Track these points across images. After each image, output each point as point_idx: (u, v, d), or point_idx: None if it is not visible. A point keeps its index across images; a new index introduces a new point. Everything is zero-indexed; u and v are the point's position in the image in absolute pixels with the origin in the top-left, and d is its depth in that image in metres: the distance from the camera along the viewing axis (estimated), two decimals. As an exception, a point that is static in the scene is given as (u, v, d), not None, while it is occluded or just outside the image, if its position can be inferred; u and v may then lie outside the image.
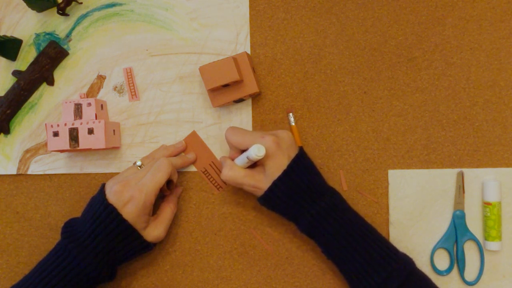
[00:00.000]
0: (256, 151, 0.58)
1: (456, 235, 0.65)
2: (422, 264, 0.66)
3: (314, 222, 0.59)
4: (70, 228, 0.62)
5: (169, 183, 0.65)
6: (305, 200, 0.60)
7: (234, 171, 0.62)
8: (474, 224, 0.66)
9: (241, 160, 0.62)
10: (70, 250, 0.60)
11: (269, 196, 0.61)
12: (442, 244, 0.65)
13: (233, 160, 0.64)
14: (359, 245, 0.58)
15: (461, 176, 0.66)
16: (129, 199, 0.60)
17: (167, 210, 0.66)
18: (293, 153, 0.61)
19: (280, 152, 0.60)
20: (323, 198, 0.60)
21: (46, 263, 0.61)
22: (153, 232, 0.64)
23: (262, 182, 0.61)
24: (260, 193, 0.62)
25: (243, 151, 0.63)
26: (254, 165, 0.62)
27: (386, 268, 0.57)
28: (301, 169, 0.61)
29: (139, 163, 0.66)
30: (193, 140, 0.70)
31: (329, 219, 0.59)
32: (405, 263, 0.58)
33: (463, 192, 0.66)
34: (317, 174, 0.63)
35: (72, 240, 0.60)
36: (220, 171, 0.69)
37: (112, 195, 0.61)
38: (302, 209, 0.60)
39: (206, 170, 0.69)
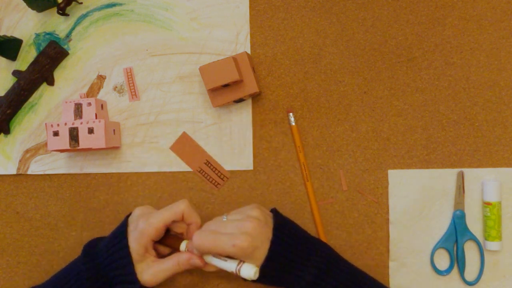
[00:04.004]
0: (251, 274, 0.55)
1: (456, 235, 0.65)
2: (422, 264, 0.66)
3: (311, 285, 0.57)
4: (92, 247, 0.63)
5: (174, 239, 0.63)
6: (295, 268, 0.56)
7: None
8: (474, 224, 0.66)
9: (220, 263, 0.58)
10: (86, 270, 0.60)
11: (260, 280, 0.57)
12: (442, 244, 0.65)
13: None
14: None
15: (461, 176, 0.66)
16: (136, 225, 0.60)
17: (171, 261, 0.60)
18: (268, 233, 0.57)
19: (255, 243, 0.55)
20: (313, 259, 0.57)
21: (59, 278, 0.62)
22: (146, 270, 0.60)
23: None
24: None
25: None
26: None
27: None
28: (283, 241, 0.57)
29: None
30: (184, 141, 0.70)
31: (326, 278, 0.57)
32: None
33: (463, 192, 0.66)
34: (298, 233, 0.60)
35: (89, 260, 0.61)
36: (219, 172, 0.69)
37: (136, 217, 0.62)
38: (296, 278, 0.56)
39: (201, 169, 0.69)
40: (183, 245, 0.61)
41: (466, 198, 0.66)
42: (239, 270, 0.56)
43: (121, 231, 0.61)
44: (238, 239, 0.55)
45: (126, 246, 0.59)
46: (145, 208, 0.64)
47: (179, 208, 0.61)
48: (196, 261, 0.59)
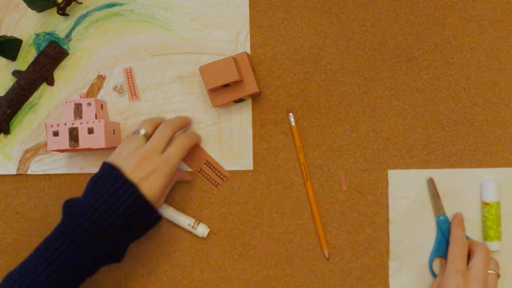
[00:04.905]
0: (205, 233, 0.68)
1: (446, 240, 0.64)
2: (422, 264, 0.66)
3: None
4: (72, 207, 0.58)
5: None
6: None
7: None
8: (473, 224, 0.66)
9: (178, 218, 0.68)
10: (74, 228, 0.56)
11: None
12: (436, 253, 0.65)
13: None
14: None
15: (432, 183, 0.65)
16: (152, 171, 0.58)
17: (172, 183, 0.66)
18: None
19: None
20: None
21: (46, 245, 0.57)
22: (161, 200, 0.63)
23: None
24: None
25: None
26: None
27: None
28: None
29: (143, 131, 0.63)
30: None
31: None
32: None
33: (439, 197, 0.65)
34: None
35: (76, 218, 0.56)
36: (219, 172, 0.69)
37: (131, 170, 0.58)
38: None
39: (201, 169, 0.69)
40: None
41: (466, 198, 0.66)
42: (195, 228, 0.67)
43: (127, 186, 0.57)
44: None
45: (141, 196, 0.57)
46: (139, 156, 0.59)
47: (191, 143, 0.65)
48: (189, 178, 0.69)
